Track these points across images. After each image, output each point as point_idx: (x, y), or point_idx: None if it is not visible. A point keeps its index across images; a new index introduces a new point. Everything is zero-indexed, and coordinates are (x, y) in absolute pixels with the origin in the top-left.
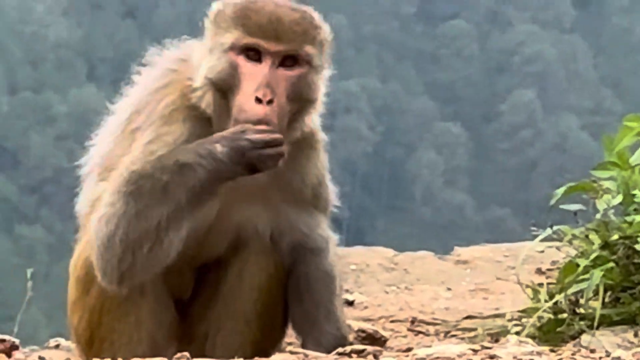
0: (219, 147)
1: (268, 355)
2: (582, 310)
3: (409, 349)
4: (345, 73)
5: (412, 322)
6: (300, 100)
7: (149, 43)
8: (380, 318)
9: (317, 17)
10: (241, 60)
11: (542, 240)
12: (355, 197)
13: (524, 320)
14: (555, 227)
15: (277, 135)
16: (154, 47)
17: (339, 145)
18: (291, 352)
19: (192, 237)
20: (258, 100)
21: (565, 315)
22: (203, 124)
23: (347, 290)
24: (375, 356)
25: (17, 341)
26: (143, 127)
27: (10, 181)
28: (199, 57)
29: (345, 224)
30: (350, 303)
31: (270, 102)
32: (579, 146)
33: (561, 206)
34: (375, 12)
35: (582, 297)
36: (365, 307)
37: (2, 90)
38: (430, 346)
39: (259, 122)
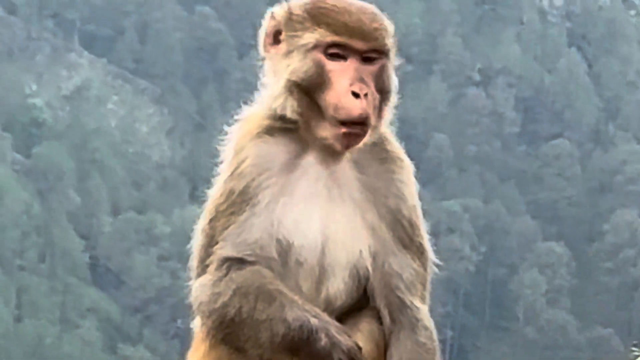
0: (323, 341)
1: None
2: None
3: None
4: (448, 193)
5: None
6: (382, 92)
7: None
8: None
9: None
10: (326, 59)
11: None
12: (458, 317)
13: None
14: None
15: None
16: None
17: (442, 265)
18: None
19: (304, 283)
20: (355, 95)
21: None
22: (286, 135)
23: None
24: None
25: None
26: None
27: (113, 301)
28: (274, 68)
29: (449, 343)
30: None
31: (366, 95)
32: None
33: None
34: (478, 132)
35: None
36: None
37: (105, 211)
38: None
39: (360, 117)
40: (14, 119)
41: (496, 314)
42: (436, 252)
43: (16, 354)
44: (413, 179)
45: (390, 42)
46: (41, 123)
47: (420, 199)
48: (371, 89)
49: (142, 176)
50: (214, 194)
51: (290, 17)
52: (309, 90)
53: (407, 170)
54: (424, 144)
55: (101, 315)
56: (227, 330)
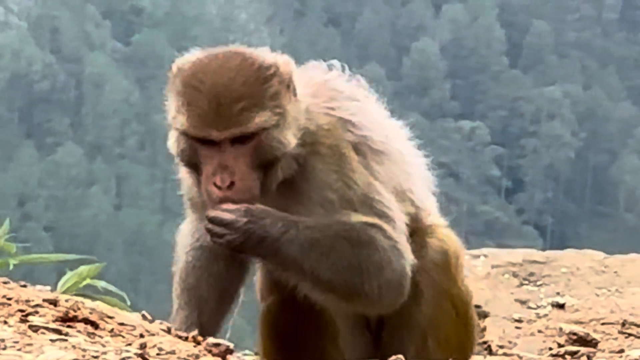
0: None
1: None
2: None
3: (621, 351)
4: (548, 79)
5: (623, 324)
6: (267, 161)
7: (352, 50)
8: (591, 321)
9: (267, 61)
10: (197, 143)
11: None
12: (558, 203)
13: None
14: None
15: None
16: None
17: (542, 152)
18: (505, 354)
19: None
20: (217, 185)
21: None
22: None
23: (557, 293)
24: (588, 357)
25: (231, 345)
26: None
27: None
28: (170, 111)
29: (549, 230)
30: (561, 306)
31: (230, 185)
32: None
33: None
34: (578, 18)
35: None
36: (576, 310)
37: None
38: None
39: (222, 204)
40: (113, 7)
41: (596, 200)
42: (537, 139)
43: (116, 243)
44: (341, 158)
45: (264, 114)
46: (140, 10)
47: (521, 85)
48: (239, 174)
49: None
50: None
51: (174, 80)
52: (190, 165)
53: (325, 153)
54: (524, 31)
55: None
56: None
